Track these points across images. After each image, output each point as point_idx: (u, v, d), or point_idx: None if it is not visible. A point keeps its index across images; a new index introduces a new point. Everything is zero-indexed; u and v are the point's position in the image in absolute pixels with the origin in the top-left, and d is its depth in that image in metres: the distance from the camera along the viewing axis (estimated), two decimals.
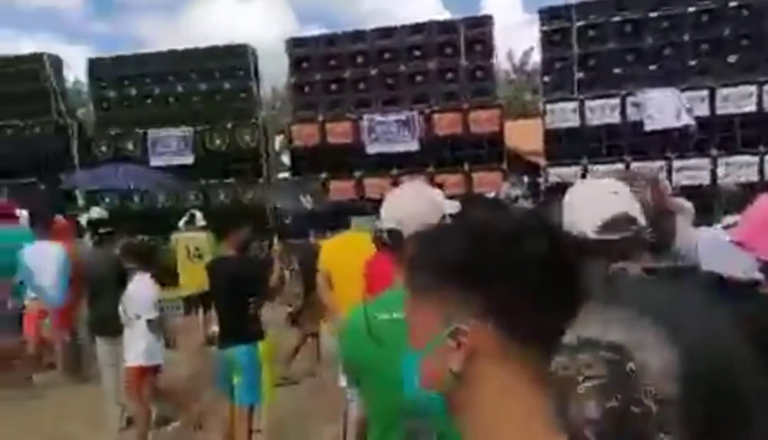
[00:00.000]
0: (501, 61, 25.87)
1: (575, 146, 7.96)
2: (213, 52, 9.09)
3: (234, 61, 8.99)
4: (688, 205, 3.58)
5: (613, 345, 1.26)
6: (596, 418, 1.24)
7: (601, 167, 7.57)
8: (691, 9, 7.56)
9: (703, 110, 7.51)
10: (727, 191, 3.97)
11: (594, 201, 1.36)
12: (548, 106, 8.15)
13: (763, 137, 7.38)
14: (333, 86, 8.73)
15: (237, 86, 9.00)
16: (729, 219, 3.50)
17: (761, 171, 7.33)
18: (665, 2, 7.69)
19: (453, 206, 2.02)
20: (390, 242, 1.55)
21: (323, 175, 8.61)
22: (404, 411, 1.40)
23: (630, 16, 7.80)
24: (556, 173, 7.79)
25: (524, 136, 9.98)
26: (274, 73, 11.57)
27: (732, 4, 7.42)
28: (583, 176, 7.74)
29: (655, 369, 1.18)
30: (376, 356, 1.45)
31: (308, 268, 4.26)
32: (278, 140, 11.95)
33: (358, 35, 8.77)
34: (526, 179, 9.20)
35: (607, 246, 1.29)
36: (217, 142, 8.99)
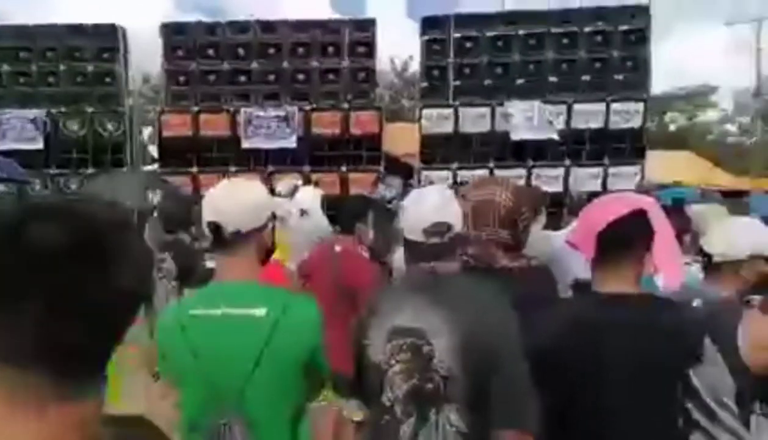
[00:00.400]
0: (383, 65, 26.50)
1: (448, 151, 8.33)
2: (76, 30, 8.28)
3: (100, 42, 8.26)
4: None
5: (416, 331, 1.37)
6: (400, 396, 1.38)
7: (468, 173, 8.02)
8: (553, 30, 8.25)
9: (560, 124, 8.22)
10: (574, 198, 4.38)
11: (421, 208, 1.51)
12: (425, 112, 8.45)
13: (607, 151, 8.24)
14: (210, 77, 8.35)
15: (102, 69, 8.28)
16: (574, 224, 3.86)
17: (604, 183, 8.18)
18: (532, 22, 8.32)
19: (284, 204, 2.04)
20: (211, 235, 1.50)
21: (194, 169, 8.20)
22: (214, 405, 1.40)
23: (502, 32, 8.33)
24: (428, 177, 8.09)
25: (401, 139, 10.27)
26: (150, 60, 10.79)
27: (587, 29, 8.21)
28: (454, 180, 8.15)
29: (443, 349, 1.34)
30: (183, 352, 1.42)
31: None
32: (147, 131, 11.19)
33: (240, 26, 8.48)
34: (399, 181, 9.48)
35: (428, 249, 1.46)
36: (74, 127, 8.20)
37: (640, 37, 8.23)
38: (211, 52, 8.33)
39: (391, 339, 1.41)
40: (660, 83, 30.27)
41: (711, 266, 1.79)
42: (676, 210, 2.95)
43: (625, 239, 1.45)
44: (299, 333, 1.44)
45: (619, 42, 8.20)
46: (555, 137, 8.11)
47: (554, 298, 1.72)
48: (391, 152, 9.87)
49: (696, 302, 2.22)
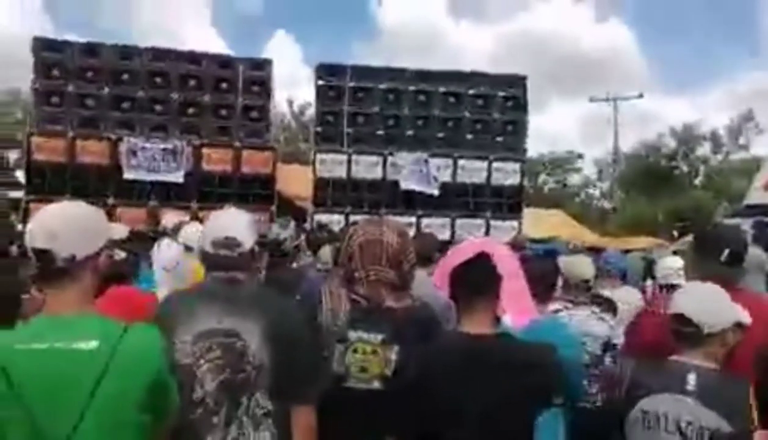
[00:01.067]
0: (280, 107, 26.57)
1: (341, 196, 8.42)
2: None
3: None
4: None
5: (229, 332, 1.57)
6: (211, 390, 1.54)
7: (360, 217, 8.12)
8: (441, 89, 8.79)
9: (446, 176, 8.67)
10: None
11: (215, 224, 1.72)
12: (319, 156, 8.52)
13: (489, 205, 8.79)
14: (89, 101, 7.82)
15: None
16: None
17: (486, 234, 8.68)
18: (423, 80, 8.81)
19: (121, 231, 2.01)
20: (38, 264, 1.34)
21: (67, 198, 7.53)
22: None
23: (394, 86, 8.72)
24: (320, 220, 8.09)
25: (295, 181, 10.23)
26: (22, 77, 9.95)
27: (471, 92, 8.85)
28: (346, 224, 8.22)
29: (254, 344, 1.54)
30: (4, 394, 1.25)
31: None
32: (12, 154, 10.19)
33: (125, 51, 8.09)
34: (293, 223, 9.34)
35: (221, 260, 1.66)
36: None
37: (518, 104, 9.02)
38: (90, 75, 7.83)
39: (197, 342, 1.56)
40: (532, 148, 33.20)
41: (695, 337, 1.71)
42: (547, 260, 3.21)
43: (471, 280, 1.67)
44: (137, 362, 1.34)
45: (500, 106, 8.91)
46: (435, 192, 8.53)
47: (433, 336, 1.77)
48: (284, 192, 9.79)
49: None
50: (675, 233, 12.72)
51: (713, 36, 54.38)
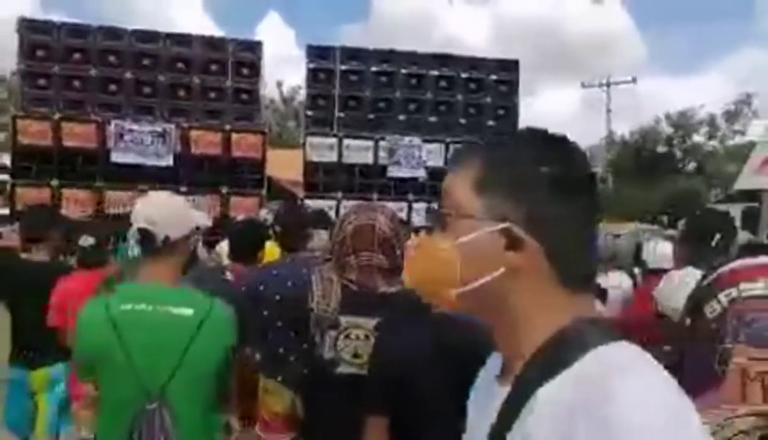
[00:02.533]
0: (270, 90, 26.37)
1: (332, 181, 8.37)
2: None
3: None
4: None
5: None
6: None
7: (350, 203, 8.09)
8: (433, 73, 8.71)
9: (438, 161, 8.62)
10: None
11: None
12: (309, 140, 8.45)
13: None
14: (75, 83, 7.70)
15: None
16: None
17: None
18: (415, 63, 8.72)
19: (203, 217, 2.06)
20: (143, 242, 1.67)
21: (54, 182, 7.45)
22: (140, 393, 1.57)
23: (386, 68, 8.63)
24: (311, 205, 8.05)
25: (285, 165, 10.18)
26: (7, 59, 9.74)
27: (463, 75, 8.77)
28: (337, 210, 8.19)
29: None
30: (113, 344, 1.57)
31: None
32: None
33: (112, 32, 7.93)
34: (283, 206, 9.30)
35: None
36: None
37: (511, 88, 8.96)
38: (77, 56, 7.70)
39: None
40: None
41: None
42: None
43: None
44: (219, 331, 1.69)
45: (492, 90, 8.84)
46: (423, 176, 8.46)
47: (419, 322, 1.76)
48: (274, 177, 9.73)
49: None
50: (665, 218, 12.75)
51: (712, 17, 54.26)
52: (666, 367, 0.65)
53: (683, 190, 23.01)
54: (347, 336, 1.73)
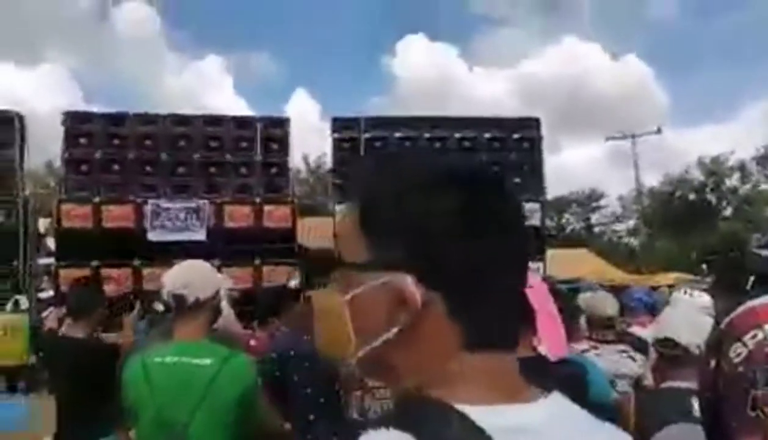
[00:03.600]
0: (297, 163, 27.16)
1: None
2: None
3: None
4: None
5: None
6: None
7: None
8: (456, 135, 8.88)
9: None
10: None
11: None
12: (338, 208, 8.60)
13: None
14: (114, 167, 8.11)
15: None
16: None
17: None
18: (437, 127, 8.94)
19: (226, 280, 2.20)
20: (177, 304, 1.94)
21: (94, 262, 7.70)
22: (165, 432, 1.77)
23: (409, 134, 8.86)
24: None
25: (317, 234, 10.32)
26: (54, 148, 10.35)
27: (486, 135, 8.92)
28: None
29: None
30: (146, 392, 1.82)
31: None
32: (43, 222, 10.54)
33: (147, 118, 8.43)
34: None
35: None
36: None
37: (533, 144, 9.06)
38: (116, 142, 8.15)
39: None
40: (553, 189, 33.10)
41: (678, 358, 1.68)
42: (569, 295, 3.18)
43: None
44: (234, 378, 1.88)
45: (516, 148, 8.95)
46: None
47: None
48: (305, 245, 9.86)
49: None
50: (704, 266, 12.36)
51: (733, 63, 54.42)
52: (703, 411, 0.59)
53: (722, 236, 22.35)
54: (373, 396, 1.70)
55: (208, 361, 1.87)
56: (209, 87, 51.06)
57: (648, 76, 57.57)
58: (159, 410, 1.81)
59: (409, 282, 0.56)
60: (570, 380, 1.58)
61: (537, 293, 1.91)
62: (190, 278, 2.00)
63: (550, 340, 2.11)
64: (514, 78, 55.02)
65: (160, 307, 3.47)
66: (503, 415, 0.53)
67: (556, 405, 0.61)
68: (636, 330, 3.36)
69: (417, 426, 0.51)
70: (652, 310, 3.81)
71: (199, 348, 1.95)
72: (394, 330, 0.57)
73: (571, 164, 47.94)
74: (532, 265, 8.65)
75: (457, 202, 0.57)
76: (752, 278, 1.94)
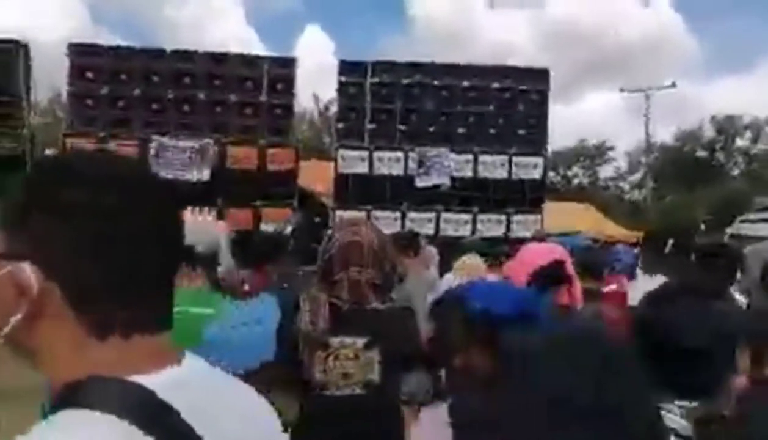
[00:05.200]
0: (306, 102, 26.80)
1: (361, 192, 8.53)
2: None
3: None
4: (433, 252, 4.15)
5: None
6: None
7: (380, 214, 8.26)
8: (464, 84, 8.79)
9: (468, 171, 8.68)
10: (466, 243, 4.67)
11: None
12: (340, 152, 8.65)
13: (510, 200, 8.76)
14: (120, 103, 8.13)
15: None
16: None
17: (508, 228, 8.68)
18: (446, 75, 8.82)
19: (226, 231, 2.23)
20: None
21: None
22: None
23: (416, 80, 8.76)
24: (341, 216, 8.23)
25: (319, 177, 10.40)
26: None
27: (494, 85, 8.82)
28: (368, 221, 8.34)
29: None
30: None
31: None
32: (50, 153, 10.64)
33: (154, 53, 8.36)
34: (317, 219, 9.56)
35: None
36: None
37: (541, 98, 8.96)
38: (123, 77, 8.13)
39: None
40: (563, 140, 32.73)
41: None
42: None
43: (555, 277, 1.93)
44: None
45: (522, 100, 8.86)
46: (447, 183, 8.52)
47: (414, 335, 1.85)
48: (306, 188, 9.96)
49: None
50: (703, 226, 12.42)
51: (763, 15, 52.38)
52: None
53: (727, 195, 22.28)
54: (336, 357, 1.71)
55: (209, 310, 1.95)
56: (219, 17, 49.79)
57: (677, 25, 55.48)
58: None
59: (27, 272, 0.59)
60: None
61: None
62: (195, 229, 2.05)
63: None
64: (537, 21, 53.25)
65: None
66: (158, 377, 0.61)
67: (197, 364, 0.71)
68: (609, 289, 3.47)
69: (91, 399, 0.57)
70: (633, 270, 3.85)
71: (201, 296, 2.04)
72: (18, 316, 0.60)
73: (587, 114, 47.18)
74: (529, 218, 8.80)
75: (79, 198, 0.60)
76: (671, 242, 2.08)
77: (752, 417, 1.16)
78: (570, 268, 2.09)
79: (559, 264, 2.00)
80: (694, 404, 1.12)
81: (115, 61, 8.20)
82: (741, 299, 3.89)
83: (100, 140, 7.94)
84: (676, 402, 1.15)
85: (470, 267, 3.63)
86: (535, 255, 2.08)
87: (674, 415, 1.30)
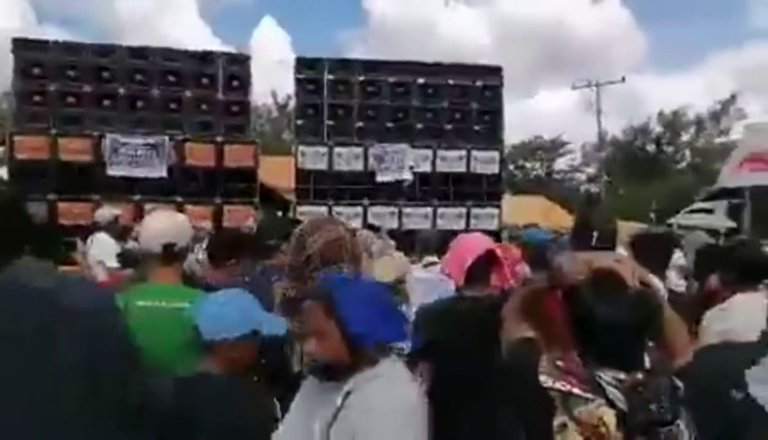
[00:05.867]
0: (264, 97, 26.49)
1: (322, 188, 8.56)
2: None
3: None
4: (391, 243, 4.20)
5: None
6: None
7: (342, 209, 8.32)
8: (419, 81, 8.92)
9: (426, 166, 8.83)
10: (424, 237, 4.78)
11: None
12: (300, 148, 8.65)
13: (469, 194, 8.96)
14: (70, 99, 7.91)
15: None
16: (427, 259, 4.22)
17: (467, 222, 8.87)
18: (401, 72, 8.94)
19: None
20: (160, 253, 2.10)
21: (50, 196, 7.65)
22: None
23: (373, 77, 8.84)
24: (303, 212, 8.24)
25: (281, 173, 10.37)
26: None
27: (449, 82, 8.99)
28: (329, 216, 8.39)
29: None
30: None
31: None
32: None
33: (104, 49, 8.17)
34: (279, 214, 9.54)
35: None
36: None
37: (496, 94, 9.17)
38: (71, 73, 7.91)
39: None
40: (520, 134, 33.45)
41: None
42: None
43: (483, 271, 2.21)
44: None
45: (477, 96, 9.07)
46: (409, 178, 8.65)
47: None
48: (268, 184, 9.93)
49: None
50: (652, 216, 12.98)
51: (709, 15, 54.63)
52: None
53: (674, 188, 23.27)
54: None
55: (184, 304, 2.01)
56: (173, 11, 48.60)
57: (627, 22, 57.25)
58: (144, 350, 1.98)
59: None
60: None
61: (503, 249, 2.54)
62: (176, 228, 2.17)
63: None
64: (491, 17, 54.05)
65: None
66: None
67: None
68: None
69: None
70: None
71: (177, 292, 2.12)
72: None
73: (542, 109, 48.29)
74: (487, 211, 9.02)
75: None
76: (595, 235, 2.25)
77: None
78: (498, 252, 2.33)
79: (489, 253, 2.26)
80: (622, 375, 1.22)
81: (64, 56, 7.97)
82: (678, 281, 4.16)
83: (51, 138, 7.72)
84: (610, 374, 1.25)
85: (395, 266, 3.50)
86: (466, 250, 2.29)
87: (612, 388, 1.43)
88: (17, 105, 8.06)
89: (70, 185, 7.70)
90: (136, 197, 7.83)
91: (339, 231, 1.86)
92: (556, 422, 1.20)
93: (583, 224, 2.46)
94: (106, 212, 5.82)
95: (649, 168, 28.48)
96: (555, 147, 34.25)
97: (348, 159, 8.69)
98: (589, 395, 1.19)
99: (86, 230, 6.01)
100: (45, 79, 7.85)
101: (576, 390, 1.19)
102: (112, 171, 7.85)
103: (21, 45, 7.91)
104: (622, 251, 3.88)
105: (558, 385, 1.21)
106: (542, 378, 1.26)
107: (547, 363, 1.27)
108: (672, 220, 10.08)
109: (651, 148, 31.11)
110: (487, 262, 2.27)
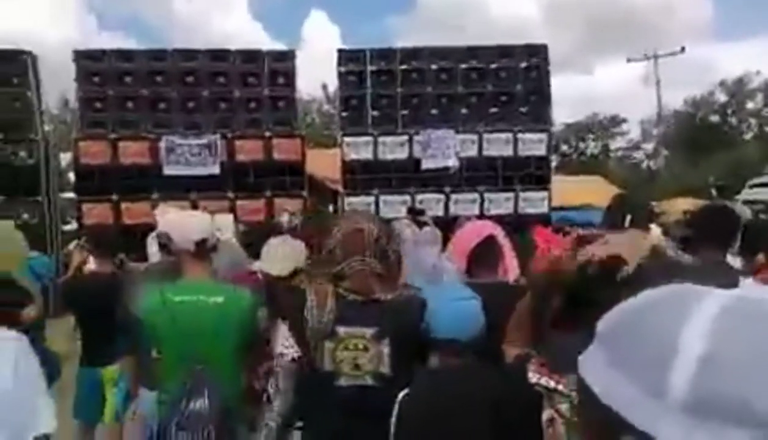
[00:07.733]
0: (314, 91, 26.64)
1: (369, 178, 8.64)
2: None
3: (7, 67, 8.05)
4: (437, 234, 4.24)
5: None
6: None
7: (389, 198, 8.38)
8: (462, 66, 8.82)
9: (473, 151, 8.75)
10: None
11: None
12: (345, 140, 8.76)
13: (517, 177, 8.81)
14: (128, 104, 8.32)
15: (10, 96, 8.07)
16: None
17: (516, 206, 8.75)
18: (444, 58, 8.87)
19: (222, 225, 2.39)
20: (193, 249, 2.27)
21: (114, 196, 8.09)
22: (191, 360, 2.08)
23: (415, 66, 8.82)
24: (351, 202, 8.35)
25: (330, 165, 10.53)
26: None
27: (492, 66, 8.84)
28: (376, 206, 8.47)
29: None
30: (169, 325, 2.11)
31: None
32: (65, 157, 10.90)
33: (157, 54, 8.52)
34: (331, 206, 9.72)
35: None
36: None
37: (540, 74, 8.95)
38: (128, 79, 8.32)
39: None
40: (575, 113, 32.37)
41: None
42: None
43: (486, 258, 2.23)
44: (244, 311, 2.22)
45: (522, 77, 8.88)
46: (456, 165, 8.57)
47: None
48: (316, 177, 10.10)
49: None
50: (713, 191, 12.32)
51: None
52: None
53: (738, 160, 21.97)
54: (346, 347, 1.69)
55: (220, 299, 2.15)
56: (225, 9, 49.82)
57: None
58: (182, 344, 2.09)
59: None
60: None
61: (501, 238, 2.35)
62: (207, 226, 2.31)
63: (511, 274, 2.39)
64: None
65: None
66: None
67: None
68: None
69: None
70: None
71: (212, 286, 2.23)
72: None
73: (600, 86, 46.49)
74: (536, 195, 8.85)
75: None
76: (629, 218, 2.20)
77: None
78: (502, 240, 2.29)
79: (490, 240, 2.25)
80: None
81: (120, 63, 8.38)
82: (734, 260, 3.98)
83: (111, 142, 8.15)
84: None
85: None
86: (466, 240, 2.28)
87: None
88: (80, 112, 8.54)
89: (131, 187, 8.11)
90: (192, 195, 8.16)
91: (360, 223, 1.79)
92: (545, 417, 1.22)
93: (616, 207, 2.42)
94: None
95: (712, 140, 26.99)
96: (612, 124, 32.98)
97: (392, 148, 8.72)
98: (573, 393, 1.22)
99: (148, 229, 6.30)
100: (104, 86, 8.28)
101: (560, 387, 1.22)
102: (169, 171, 8.20)
103: (81, 55, 8.36)
104: (655, 230, 3.78)
105: (543, 381, 1.24)
106: (529, 374, 1.29)
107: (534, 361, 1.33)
108: (740, 196, 9.57)
109: (714, 118, 29.46)
110: (487, 251, 2.23)
